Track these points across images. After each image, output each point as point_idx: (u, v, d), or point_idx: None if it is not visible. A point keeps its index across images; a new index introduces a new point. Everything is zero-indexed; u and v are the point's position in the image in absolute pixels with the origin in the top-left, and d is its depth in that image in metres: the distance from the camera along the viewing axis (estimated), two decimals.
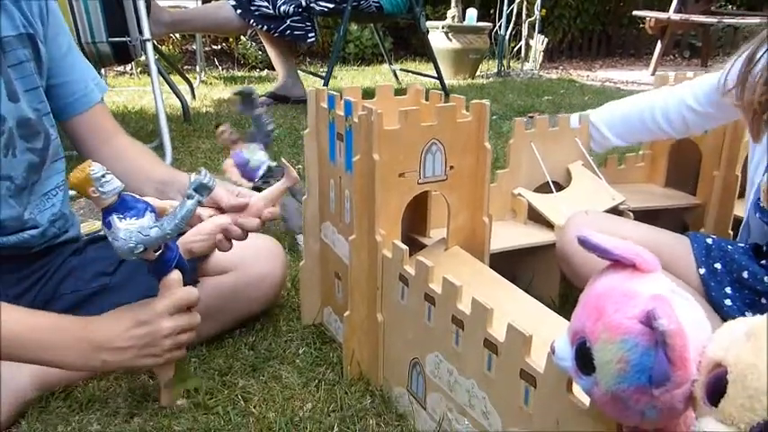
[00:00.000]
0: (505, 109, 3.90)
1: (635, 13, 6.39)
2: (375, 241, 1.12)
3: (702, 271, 1.22)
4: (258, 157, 1.68)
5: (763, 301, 1.17)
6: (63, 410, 1.15)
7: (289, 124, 3.39)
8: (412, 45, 6.86)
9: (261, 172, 1.67)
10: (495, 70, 5.82)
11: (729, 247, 1.24)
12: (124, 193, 1.01)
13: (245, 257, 1.37)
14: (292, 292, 1.58)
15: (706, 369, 0.59)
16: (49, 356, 1.06)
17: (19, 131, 1.19)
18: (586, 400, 0.73)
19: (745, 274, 1.19)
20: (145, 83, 4.78)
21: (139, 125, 3.33)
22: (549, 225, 1.51)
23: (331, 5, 3.65)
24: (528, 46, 6.05)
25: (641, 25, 7.20)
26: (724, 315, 1.16)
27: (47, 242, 1.28)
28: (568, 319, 0.71)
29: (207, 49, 6.21)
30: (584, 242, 0.68)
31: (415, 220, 1.35)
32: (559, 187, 1.61)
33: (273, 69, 4.47)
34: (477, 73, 5.69)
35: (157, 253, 1.05)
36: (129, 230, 0.99)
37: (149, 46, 2.76)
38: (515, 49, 6.15)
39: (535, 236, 1.50)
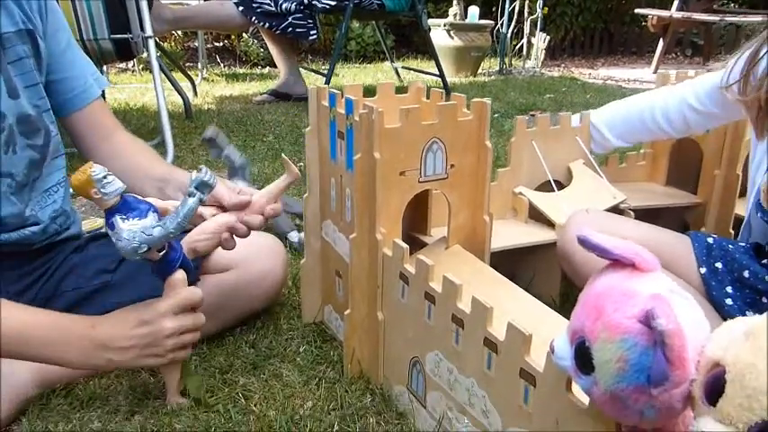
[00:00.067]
0: (507, 107, 3.90)
1: (637, 10, 6.38)
2: (376, 240, 1.13)
3: (703, 270, 1.22)
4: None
5: (765, 300, 1.16)
6: (64, 408, 1.16)
7: (290, 122, 3.39)
8: (414, 43, 6.85)
9: None
10: (497, 68, 5.82)
11: (730, 246, 1.24)
12: (126, 194, 1.01)
13: (247, 255, 1.37)
14: (293, 290, 1.59)
15: (704, 368, 0.59)
16: (52, 354, 1.07)
17: (19, 128, 1.19)
18: (586, 399, 0.73)
19: (746, 274, 1.19)
20: (147, 80, 4.78)
21: (141, 122, 3.34)
22: (549, 224, 1.51)
23: (333, 3, 3.65)
24: (530, 44, 6.05)
25: (643, 23, 7.20)
26: (725, 314, 1.16)
27: (48, 239, 1.28)
28: (568, 319, 0.71)
29: (209, 46, 6.20)
30: (583, 242, 0.68)
31: (416, 218, 1.35)
32: (560, 186, 1.61)
33: (275, 67, 4.47)
34: (479, 71, 5.68)
35: (161, 253, 1.05)
36: (132, 231, 0.99)
37: (151, 43, 2.76)
38: (517, 47, 6.15)
39: (536, 235, 1.50)
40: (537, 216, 1.54)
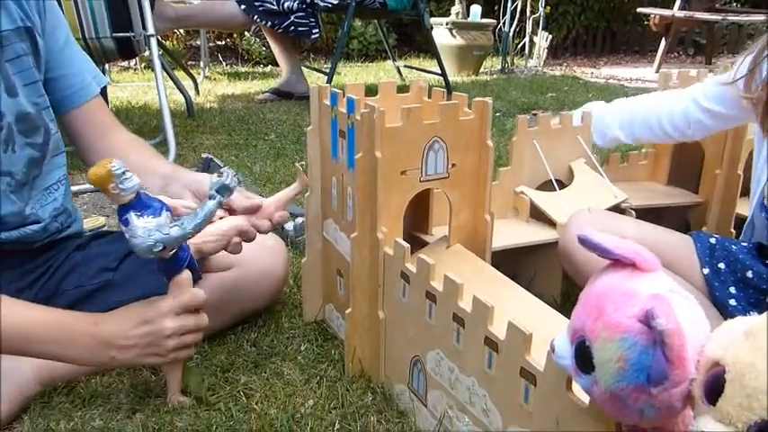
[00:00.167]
0: (509, 106, 3.90)
1: (639, 9, 6.37)
2: (377, 239, 1.13)
3: (706, 271, 1.22)
4: None
5: None
6: (65, 406, 1.16)
7: (292, 121, 3.39)
8: (416, 41, 6.85)
9: None
10: (499, 67, 5.81)
11: (733, 246, 1.24)
12: (140, 191, 1.01)
13: (248, 254, 1.37)
14: (294, 288, 1.59)
15: (704, 368, 0.59)
16: (57, 352, 1.07)
17: (18, 126, 1.19)
18: (586, 398, 0.73)
19: (750, 274, 1.19)
20: (149, 78, 4.79)
21: (143, 121, 3.34)
22: (551, 223, 1.51)
23: (335, 1, 3.65)
24: (532, 43, 6.04)
25: (646, 22, 7.19)
26: (728, 315, 1.16)
27: (49, 237, 1.28)
28: (569, 318, 0.71)
29: (211, 44, 6.21)
30: (584, 241, 0.68)
31: (417, 217, 1.35)
32: (562, 185, 1.61)
33: (277, 65, 4.47)
34: (481, 70, 5.68)
35: (172, 252, 1.05)
36: (147, 228, 0.99)
37: (153, 41, 2.77)
38: (519, 46, 6.14)
39: (537, 234, 1.50)
40: (538, 215, 1.54)
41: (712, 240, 1.26)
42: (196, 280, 1.14)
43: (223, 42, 6.45)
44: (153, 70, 2.84)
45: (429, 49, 5.00)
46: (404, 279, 1.08)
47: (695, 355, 0.60)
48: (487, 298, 0.89)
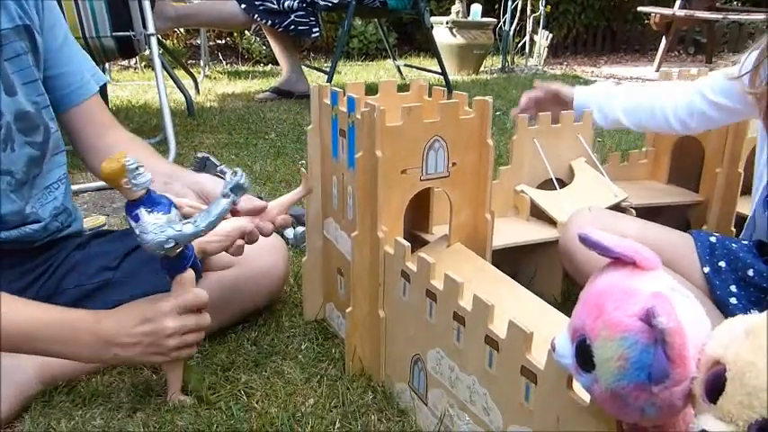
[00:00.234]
0: (509, 105, 3.89)
1: (640, 8, 6.37)
2: (377, 238, 1.13)
3: (707, 270, 1.22)
4: None
5: None
6: (66, 405, 1.16)
7: (292, 120, 3.39)
8: (416, 40, 6.85)
9: None
10: (500, 66, 5.81)
11: (734, 245, 1.24)
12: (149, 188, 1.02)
13: (248, 252, 1.36)
14: (295, 287, 1.59)
15: (705, 366, 0.59)
16: (58, 349, 1.07)
17: (17, 125, 1.19)
18: (587, 396, 0.73)
19: (751, 272, 1.19)
20: (149, 77, 4.79)
21: (143, 120, 3.34)
22: (551, 222, 1.51)
23: (335, 0, 3.65)
24: (532, 42, 6.04)
25: (646, 21, 7.19)
26: (729, 313, 1.16)
27: (49, 236, 1.28)
28: (570, 317, 0.71)
29: (211, 43, 6.21)
30: (584, 240, 0.68)
31: (418, 216, 1.35)
32: (562, 184, 1.61)
33: (277, 64, 4.48)
34: (482, 69, 5.68)
35: (179, 250, 1.05)
36: (158, 225, 1.00)
37: (153, 40, 2.77)
38: (519, 45, 6.14)
39: (537, 233, 1.50)
40: (538, 214, 1.55)
41: (712, 239, 1.26)
42: (198, 279, 1.14)
43: (223, 41, 6.45)
44: (153, 69, 2.85)
45: (429, 48, 5.00)
46: (404, 278, 1.08)
47: (696, 354, 0.60)
48: (488, 297, 0.89)
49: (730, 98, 1.35)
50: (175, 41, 6.12)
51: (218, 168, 2.07)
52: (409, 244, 1.08)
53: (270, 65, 5.84)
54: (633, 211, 1.52)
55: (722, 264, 1.22)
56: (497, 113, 3.55)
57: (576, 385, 0.74)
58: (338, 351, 1.33)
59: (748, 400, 0.54)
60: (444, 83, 4.10)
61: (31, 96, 1.21)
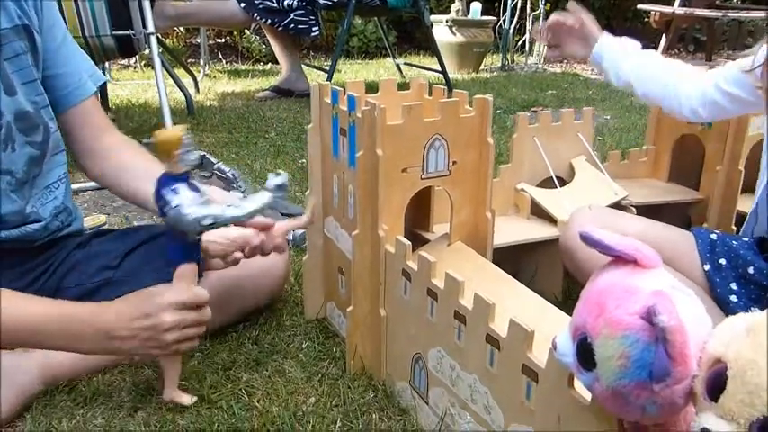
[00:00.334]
0: (509, 103, 3.90)
1: (639, 6, 6.35)
2: (378, 236, 1.13)
3: (707, 267, 1.22)
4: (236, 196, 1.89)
5: None
6: (67, 404, 1.16)
7: (292, 118, 3.39)
8: (416, 39, 6.84)
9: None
10: (500, 64, 5.81)
11: (734, 242, 1.24)
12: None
13: None
14: (295, 286, 1.59)
15: (706, 365, 0.59)
16: (62, 343, 1.08)
17: (17, 125, 1.19)
18: (588, 395, 0.73)
19: (751, 270, 1.19)
20: (149, 76, 4.78)
21: (143, 119, 3.34)
22: (551, 220, 1.51)
23: None
24: (532, 40, 6.03)
25: (646, 19, 7.18)
26: (729, 311, 1.16)
27: (50, 235, 1.28)
28: (571, 315, 0.71)
29: (211, 42, 6.20)
30: (585, 238, 0.68)
31: (418, 215, 1.35)
32: (562, 182, 1.61)
33: (277, 63, 4.47)
34: (481, 67, 5.68)
35: (199, 236, 1.06)
36: (197, 203, 1.01)
37: (153, 39, 2.77)
38: (519, 43, 6.13)
39: (538, 231, 1.50)
40: (539, 212, 1.55)
41: (713, 236, 1.26)
42: (199, 278, 1.14)
43: (223, 40, 6.44)
44: (153, 68, 2.84)
45: (429, 47, 5.00)
46: (405, 277, 1.08)
47: (697, 352, 0.60)
48: (489, 295, 0.89)
49: (743, 89, 1.33)
50: (175, 40, 6.12)
51: (216, 166, 2.07)
52: (410, 243, 1.08)
53: (270, 64, 5.84)
54: (633, 210, 1.52)
55: (723, 261, 1.22)
56: (497, 112, 3.55)
57: (578, 384, 0.74)
58: (339, 350, 1.33)
59: (749, 398, 0.54)
60: (444, 81, 4.10)
61: (30, 96, 1.21)
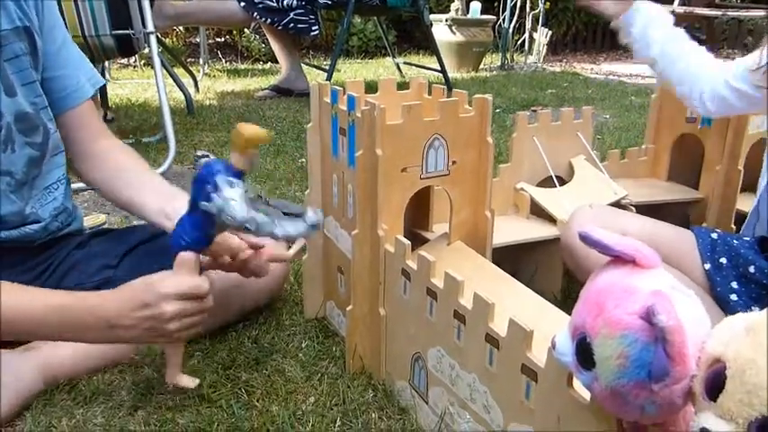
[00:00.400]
0: (509, 102, 3.90)
1: None
2: (378, 236, 1.13)
3: (707, 266, 1.22)
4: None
5: None
6: (67, 403, 1.16)
7: (292, 118, 3.39)
8: (415, 38, 6.85)
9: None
10: (499, 63, 5.81)
11: (735, 241, 1.24)
12: None
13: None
14: (295, 286, 1.59)
15: (705, 364, 0.59)
16: (67, 333, 1.07)
17: (17, 126, 1.19)
18: (587, 395, 0.73)
19: (752, 269, 1.19)
20: (148, 75, 4.79)
21: (143, 118, 3.34)
22: (551, 220, 1.51)
23: None
24: (532, 39, 6.03)
25: None
26: (730, 310, 1.16)
27: (50, 235, 1.28)
28: (570, 314, 0.71)
29: (211, 41, 6.20)
30: (584, 238, 0.68)
31: (418, 215, 1.35)
32: (562, 182, 1.61)
33: (277, 62, 4.47)
34: (481, 66, 5.68)
35: (218, 229, 1.07)
36: (245, 203, 1.01)
37: (153, 39, 2.76)
38: (519, 43, 6.13)
39: (537, 230, 1.50)
40: (538, 212, 1.55)
41: (714, 235, 1.26)
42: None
43: (222, 39, 6.45)
44: (153, 68, 2.84)
45: (429, 46, 5.00)
46: (404, 276, 1.08)
47: (696, 352, 0.60)
48: (488, 295, 0.89)
49: (751, 86, 1.33)
50: (175, 40, 6.12)
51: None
52: (409, 242, 1.08)
53: (269, 63, 5.84)
54: (633, 209, 1.52)
55: (723, 260, 1.22)
56: (497, 111, 3.55)
57: (577, 383, 0.74)
58: (339, 349, 1.33)
59: (748, 397, 0.54)
60: (444, 80, 4.10)
61: (29, 97, 1.22)
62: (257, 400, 1.17)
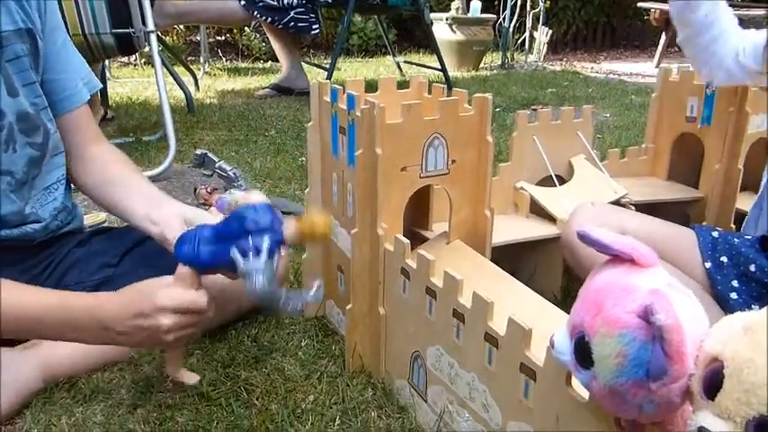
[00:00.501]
0: (509, 101, 3.90)
1: (640, 4, 6.36)
2: (377, 235, 1.13)
3: (708, 265, 1.22)
4: (235, 195, 1.90)
5: None
6: (67, 401, 1.16)
7: (292, 116, 3.39)
8: (416, 37, 6.85)
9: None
10: (499, 62, 5.81)
11: (736, 240, 1.24)
12: None
13: None
14: (295, 284, 1.59)
15: (703, 363, 0.59)
16: (65, 333, 1.07)
17: (19, 126, 1.19)
18: (585, 393, 0.73)
19: (753, 268, 1.19)
20: (149, 74, 4.79)
21: (143, 116, 3.34)
22: (551, 219, 1.51)
23: None
24: (532, 38, 6.03)
25: (646, 17, 7.18)
26: (730, 309, 1.16)
27: (50, 234, 1.28)
28: (569, 313, 0.71)
29: (211, 40, 6.21)
30: (583, 237, 0.68)
31: (417, 214, 1.35)
32: (562, 181, 1.61)
33: (277, 61, 4.47)
34: (481, 65, 5.68)
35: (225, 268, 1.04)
36: (271, 276, 1.00)
37: (153, 37, 2.76)
38: (519, 41, 6.14)
39: (537, 230, 1.50)
40: (538, 211, 1.55)
41: (714, 234, 1.26)
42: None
43: (223, 38, 6.45)
44: (153, 66, 2.84)
45: (429, 45, 5.00)
46: (404, 275, 1.08)
47: (694, 351, 0.60)
48: (487, 294, 0.89)
49: (758, 63, 1.33)
50: (175, 38, 6.12)
51: (217, 165, 2.09)
52: (409, 241, 1.08)
53: (270, 62, 5.84)
54: (633, 208, 1.52)
55: (724, 259, 1.22)
56: (497, 110, 3.55)
57: (575, 382, 0.74)
58: (338, 348, 1.33)
59: (746, 396, 0.54)
60: (444, 79, 4.10)
61: (30, 98, 1.22)
62: (257, 399, 1.17)
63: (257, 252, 1.00)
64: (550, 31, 6.20)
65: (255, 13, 3.66)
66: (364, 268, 1.17)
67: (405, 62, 5.13)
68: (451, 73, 4.56)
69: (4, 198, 1.18)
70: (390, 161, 1.10)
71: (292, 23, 3.66)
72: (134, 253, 1.34)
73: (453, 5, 5.63)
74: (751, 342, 0.56)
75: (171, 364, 1.14)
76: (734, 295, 1.18)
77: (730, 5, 1.43)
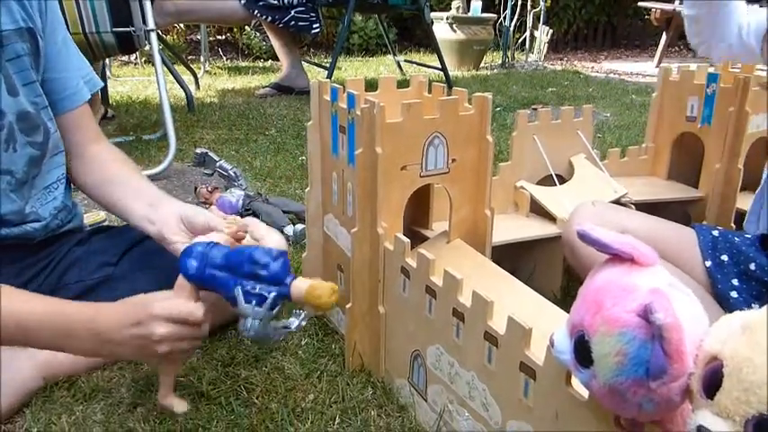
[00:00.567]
0: (509, 101, 3.90)
1: (640, 3, 6.36)
2: (377, 234, 1.13)
3: (708, 263, 1.22)
4: (236, 194, 1.96)
5: None
6: (67, 400, 1.16)
7: (292, 115, 3.39)
8: (416, 36, 6.85)
9: (241, 202, 1.92)
10: (500, 62, 5.81)
11: (736, 238, 1.24)
12: None
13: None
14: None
15: (702, 362, 0.59)
16: (60, 343, 1.06)
17: (19, 125, 1.19)
18: (585, 392, 0.73)
19: (753, 266, 1.19)
20: (149, 73, 4.79)
21: (143, 115, 3.34)
22: (551, 218, 1.51)
23: None
24: (532, 37, 6.03)
25: (646, 16, 7.18)
26: (730, 307, 1.16)
27: (50, 233, 1.28)
28: (569, 312, 0.71)
29: (211, 39, 6.21)
30: (583, 236, 0.68)
31: (418, 213, 1.35)
32: (562, 180, 1.61)
33: (278, 60, 4.48)
34: (482, 64, 5.68)
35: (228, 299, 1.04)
36: (269, 324, 1.01)
37: (153, 36, 2.76)
38: (520, 41, 6.14)
39: (537, 229, 1.50)
40: (538, 210, 1.55)
41: (715, 233, 1.26)
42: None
43: (223, 37, 6.45)
44: (153, 65, 2.84)
45: (429, 44, 5.00)
46: (404, 274, 1.08)
47: (693, 350, 0.60)
48: (487, 293, 0.89)
49: (758, 43, 1.33)
50: (175, 37, 6.12)
51: (218, 164, 2.09)
52: (409, 240, 1.08)
53: (270, 61, 5.84)
54: (633, 207, 1.52)
55: (724, 257, 1.22)
56: (497, 109, 3.55)
57: (575, 381, 0.74)
58: (338, 347, 1.33)
59: (745, 395, 0.54)
60: (444, 79, 4.10)
61: (30, 97, 1.22)
62: (256, 398, 1.17)
63: (261, 300, 1.00)
64: (551, 31, 6.20)
65: (256, 11, 3.66)
66: (364, 267, 1.17)
67: (405, 61, 5.13)
68: (452, 72, 4.56)
69: (4, 197, 1.18)
70: (390, 160, 1.10)
71: (293, 22, 3.66)
72: (134, 252, 1.35)
73: (454, 5, 5.64)
74: (750, 341, 0.56)
75: (163, 387, 1.10)
76: (734, 294, 1.18)
77: None
